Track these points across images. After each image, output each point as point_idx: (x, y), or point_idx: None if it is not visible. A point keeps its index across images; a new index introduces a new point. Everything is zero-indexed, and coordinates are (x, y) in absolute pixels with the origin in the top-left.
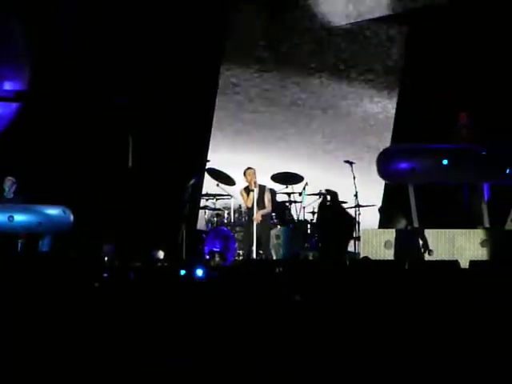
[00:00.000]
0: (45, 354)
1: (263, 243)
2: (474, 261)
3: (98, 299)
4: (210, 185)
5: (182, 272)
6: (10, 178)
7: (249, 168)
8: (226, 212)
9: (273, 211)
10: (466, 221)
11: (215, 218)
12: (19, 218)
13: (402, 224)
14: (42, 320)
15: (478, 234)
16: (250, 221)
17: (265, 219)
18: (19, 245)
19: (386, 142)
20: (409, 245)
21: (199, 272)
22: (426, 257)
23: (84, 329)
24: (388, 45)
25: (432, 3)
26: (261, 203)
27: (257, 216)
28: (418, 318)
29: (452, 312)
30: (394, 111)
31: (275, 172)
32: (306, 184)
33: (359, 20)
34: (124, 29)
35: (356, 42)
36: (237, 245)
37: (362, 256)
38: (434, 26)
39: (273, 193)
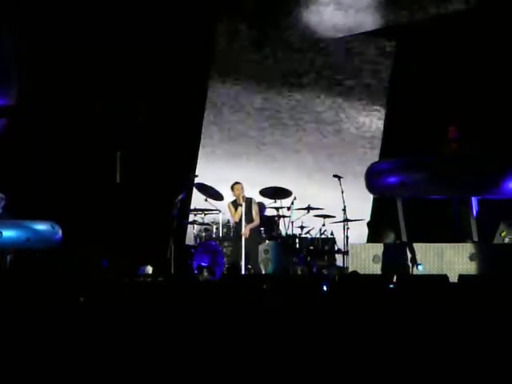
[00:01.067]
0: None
1: (252, 258)
2: (463, 275)
3: (85, 314)
4: (198, 200)
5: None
6: None
7: (236, 183)
8: (215, 227)
9: (261, 226)
10: (455, 235)
11: (203, 233)
12: (8, 233)
13: (391, 238)
14: (29, 335)
15: (467, 248)
16: (238, 236)
17: (253, 233)
18: (8, 260)
19: (374, 156)
20: (397, 259)
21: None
22: (415, 271)
23: (71, 344)
24: (376, 59)
25: (420, 18)
26: (249, 217)
27: (245, 231)
28: (407, 332)
29: (441, 326)
30: (382, 125)
31: (263, 187)
32: (295, 198)
33: (348, 34)
34: (111, 42)
35: (345, 55)
36: (225, 259)
37: (350, 270)
38: (422, 40)
39: (262, 206)
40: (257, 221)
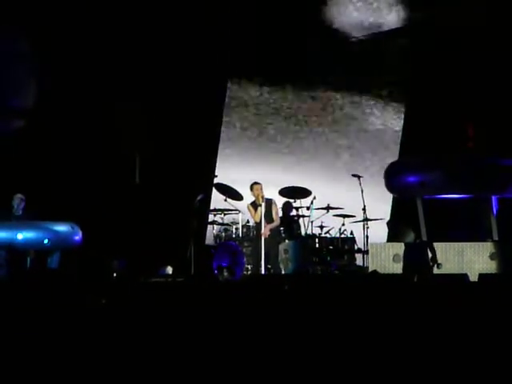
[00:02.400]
0: (51, 370)
1: (272, 258)
2: (483, 274)
3: (106, 316)
4: (217, 200)
5: None
6: (18, 195)
7: (255, 183)
8: (234, 227)
9: (283, 225)
10: (475, 234)
11: (223, 233)
12: (28, 234)
13: (411, 237)
14: (50, 336)
15: (487, 247)
16: (258, 236)
17: (273, 233)
18: (28, 261)
19: (393, 155)
20: (417, 258)
21: None
22: (435, 270)
23: (92, 345)
24: (397, 57)
25: (438, 16)
26: (268, 217)
27: (265, 231)
28: (428, 331)
29: (461, 325)
30: (401, 124)
31: (283, 186)
32: (314, 198)
33: (366, 33)
34: (132, 45)
35: (363, 55)
36: (245, 259)
37: (370, 270)
38: (443, 39)
39: (288, 206)
40: (277, 221)
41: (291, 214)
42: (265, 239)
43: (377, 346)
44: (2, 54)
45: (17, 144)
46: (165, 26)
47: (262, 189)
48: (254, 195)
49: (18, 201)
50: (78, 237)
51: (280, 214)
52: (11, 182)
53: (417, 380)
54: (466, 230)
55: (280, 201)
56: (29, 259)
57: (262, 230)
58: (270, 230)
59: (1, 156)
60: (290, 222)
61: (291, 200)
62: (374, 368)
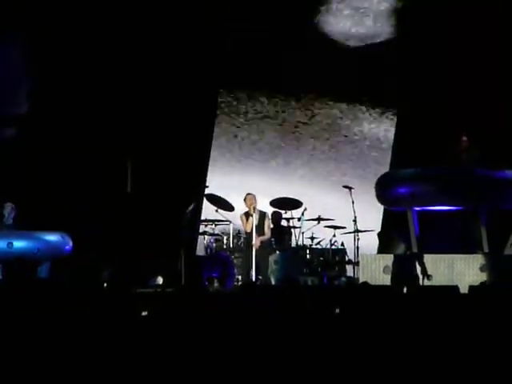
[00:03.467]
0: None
1: (262, 269)
2: (473, 286)
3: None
4: (208, 210)
5: None
6: (9, 203)
7: (249, 194)
8: (225, 237)
9: (276, 235)
10: (465, 246)
11: (214, 244)
12: (18, 244)
13: (401, 249)
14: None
15: (478, 259)
16: (249, 246)
17: (263, 245)
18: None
19: (385, 166)
20: (407, 270)
21: None
22: (425, 282)
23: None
24: (388, 67)
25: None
26: (260, 229)
27: (256, 242)
28: (417, 343)
29: (452, 337)
30: (392, 135)
31: (274, 197)
32: (305, 209)
33: (359, 44)
34: (124, 54)
35: (355, 65)
36: (236, 270)
37: (361, 281)
38: (434, 48)
39: (278, 216)
40: (268, 235)
41: (281, 223)
42: (256, 250)
43: (367, 356)
44: None
45: (7, 152)
46: (157, 35)
47: (255, 199)
48: (246, 205)
49: (8, 210)
50: (68, 246)
51: (271, 225)
52: (1, 190)
53: None
54: (457, 241)
55: (271, 211)
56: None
57: (253, 241)
58: (261, 242)
59: None
60: (280, 232)
61: (282, 211)
62: (364, 379)
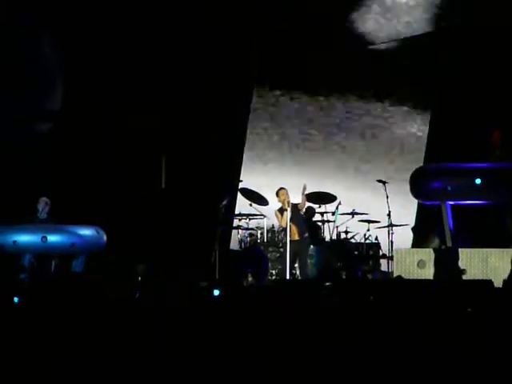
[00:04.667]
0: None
1: (303, 262)
2: (508, 280)
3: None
4: (243, 205)
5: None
6: (43, 198)
7: (281, 188)
8: (259, 232)
9: (310, 230)
10: (500, 240)
11: (248, 238)
12: (52, 238)
13: (436, 243)
14: (75, 340)
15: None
16: (286, 240)
17: (303, 239)
18: (53, 265)
19: (419, 161)
20: (443, 264)
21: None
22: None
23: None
24: (422, 63)
25: (463, 22)
26: (295, 220)
27: (302, 204)
28: (453, 337)
29: (486, 331)
30: (427, 130)
31: (308, 192)
32: (339, 203)
33: (391, 40)
34: (157, 51)
35: (388, 62)
36: (270, 264)
37: (395, 275)
38: (466, 45)
39: (311, 211)
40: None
41: (313, 218)
42: (295, 243)
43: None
44: (32, 58)
45: (43, 147)
46: (194, 36)
47: (287, 194)
48: (280, 201)
49: (42, 204)
50: (102, 241)
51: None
52: (36, 185)
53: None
54: (491, 236)
55: (310, 205)
56: (53, 263)
57: (288, 235)
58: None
59: (27, 159)
60: (313, 227)
61: (316, 205)
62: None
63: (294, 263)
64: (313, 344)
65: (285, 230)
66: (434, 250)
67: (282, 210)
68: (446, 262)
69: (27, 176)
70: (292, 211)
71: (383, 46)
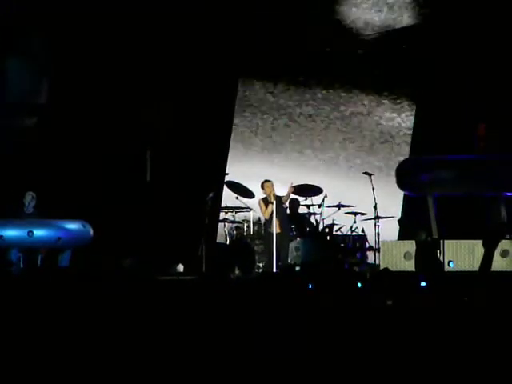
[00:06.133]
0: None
1: (282, 256)
2: (494, 271)
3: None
4: (229, 198)
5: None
6: (30, 192)
7: (266, 180)
8: (246, 225)
9: (293, 222)
10: (486, 232)
11: (234, 231)
12: (39, 232)
13: (422, 235)
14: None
15: (498, 245)
16: (269, 233)
17: (284, 231)
18: (39, 259)
19: (404, 153)
20: (431, 256)
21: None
22: (446, 268)
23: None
24: (406, 55)
25: (448, 15)
26: (279, 214)
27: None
28: (440, 329)
29: (473, 323)
30: (412, 123)
31: (294, 184)
32: (325, 196)
33: (378, 32)
34: (144, 43)
35: (374, 53)
36: (256, 257)
37: (381, 267)
38: (451, 38)
39: (296, 203)
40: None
41: (299, 211)
42: (276, 236)
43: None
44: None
45: (28, 141)
46: (176, 26)
47: (273, 186)
48: (265, 193)
49: (29, 198)
50: (89, 235)
51: (288, 211)
52: (22, 179)
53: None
54: (477, 227)
55: (295, 197)
56: (40, 257)
57: (273, 229)
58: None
59: (12, 154)
60: (300, 219)
61: (302, 198)
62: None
63: (278, 256)
64: (302, 336)
65: (267, 221)
66: (420, 241)
67: (266, 201)
68: (430, 253)
69: (13, 171)
70: (276, 204)
71: (370, 38)
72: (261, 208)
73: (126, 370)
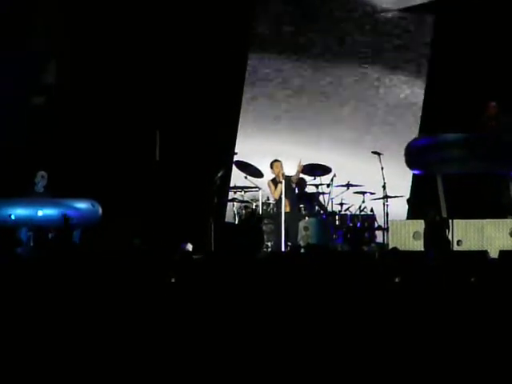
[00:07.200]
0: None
1: (291, 235)
2: (503, 251)
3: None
4: (238, 177)
5: None
6: (41, 172)
7: (276, 160)
8: (254, 204)
9: (302, 201)
10: (495, 210)
11: (243, 211)
12: (48, 212)
13: (431, 215)
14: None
15: (508, 224)
16: (279, 213)
17: (293, 210)
18: (49, 238)
19: (414, 132)
20: (439, 235)
21: None
22: (455, 247)
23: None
24: (417, 32)
25: None
26: (289, 194)
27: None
28: (448, 309)
29: (482, 302)
30: (422, 101)
31: (303, 164)
32: (334, 175)
33: (390, 8)
34: (151, 19)
35: (384, 30)
36: (265, 237)
37: (390, 247)
38: (463, 14)
39: (303, 182)
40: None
41: (306, 190)
42: (285, 216)
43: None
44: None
45: (38, 121)
46: (186, 5)
47: (282, 166)
48: (274, 173)
49: (40, 178)
50: (98, 214)
51: (296, 191)
52: (33, 159)
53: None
54: (486, 206)
55: (302, 177)
56: (50, 236)
57: (282, 208)
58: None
59: (24, 133)
60: (309, 198)
61: (311, 177)
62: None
63: (287, 235)
64: (310, 315)
65: (277, 202)
66: (429, 221)
67: (275, 181)
68: (439, 233)
69: (24, 150)
70: (285, 184)
71: (382, 15)
72: (270, 189)
73: (138, 346)
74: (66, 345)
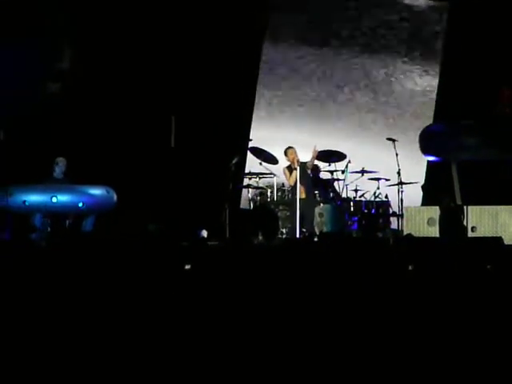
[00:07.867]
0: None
1: (307, 221)
2: None
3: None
4: (252, 163)
5: None
6: (60, 158)
7: (289, 147)
8: (269, 190)
9: (317, 188)
10: (510, 197)
11: (258, 197)
12: (62, 198)
13: (445, 201)
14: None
15: None
16: (294, 199)
17: (309, 197)
18: (67, 225)
19: (429, 119)
20: (452, 222)
21: None
22: (469, 233)
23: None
24: (432, 19)
25: None
26: (304, 180)
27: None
28: (462, 295)
29: (497, 289)
30: (436, 88)
31: (318, 150)
32: (349, 162)
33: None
34: (166, 6)
35: (398, 19)
36: (280, 223)
37: (405, 233)
38: (476, 1)
39: (317, 169)
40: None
41: (320, 176)
42: (301, 202)
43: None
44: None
45: (55, 108)
46: None
47: (296, 153)
48: (288, 160)
49: (59, 164)
50: (113, 200)
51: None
52: (52, 145)
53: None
54: (501, 193)
55: (316, 163)
56: (67, 223)
57: (297, 194)
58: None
59: (42, 119)
60: (324, 184)
61: (326, 164)
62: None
63: (302, 222)
64: (323, 302)
65: (293, 188)
66: (444, 207)
67: (290, 168)
68: (454, 219)
69: (43, 136)
70: (300, 170)
71: (395, 3)
72: (285, 176)
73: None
74: (81, 331)
